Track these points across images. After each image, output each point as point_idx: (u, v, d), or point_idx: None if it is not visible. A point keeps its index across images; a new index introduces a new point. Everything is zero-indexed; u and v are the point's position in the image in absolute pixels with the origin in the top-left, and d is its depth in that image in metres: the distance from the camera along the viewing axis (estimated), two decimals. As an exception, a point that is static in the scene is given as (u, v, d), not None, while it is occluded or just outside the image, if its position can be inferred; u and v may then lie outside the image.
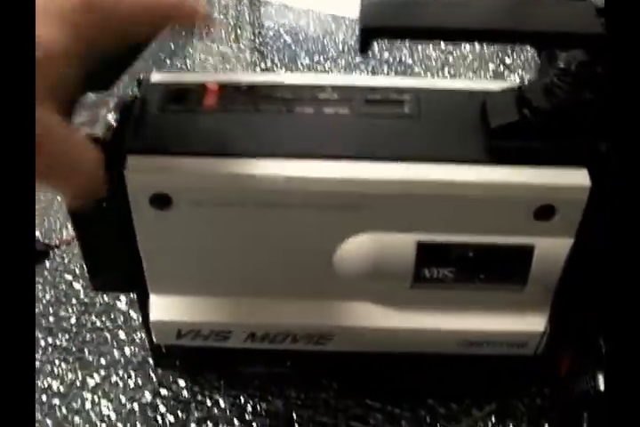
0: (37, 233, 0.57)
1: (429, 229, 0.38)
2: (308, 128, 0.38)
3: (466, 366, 0.45)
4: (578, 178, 0.36)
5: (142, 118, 0.38)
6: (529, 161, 0.36)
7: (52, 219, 0.59)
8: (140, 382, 0.49)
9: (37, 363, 0.50)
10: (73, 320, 0.53)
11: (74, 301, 0.54)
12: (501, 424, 0.47)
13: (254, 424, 0.47)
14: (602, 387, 0.42)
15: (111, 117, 0.37)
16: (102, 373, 0.50)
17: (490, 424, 0.47)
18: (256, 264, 0.40)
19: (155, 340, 0.43)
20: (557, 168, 0.36)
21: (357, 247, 0.39)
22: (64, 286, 0.55)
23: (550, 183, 0.36)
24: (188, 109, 0.38)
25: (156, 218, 0.37)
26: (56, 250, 0.55)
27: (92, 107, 0.37)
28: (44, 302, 0.54)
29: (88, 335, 0.52)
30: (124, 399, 0.48)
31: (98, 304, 0.54)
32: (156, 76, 0.40)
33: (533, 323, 0.42)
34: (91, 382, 0.49)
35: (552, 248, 0.38)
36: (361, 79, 0.43)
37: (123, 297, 0.54)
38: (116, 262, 0.41)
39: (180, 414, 0.48)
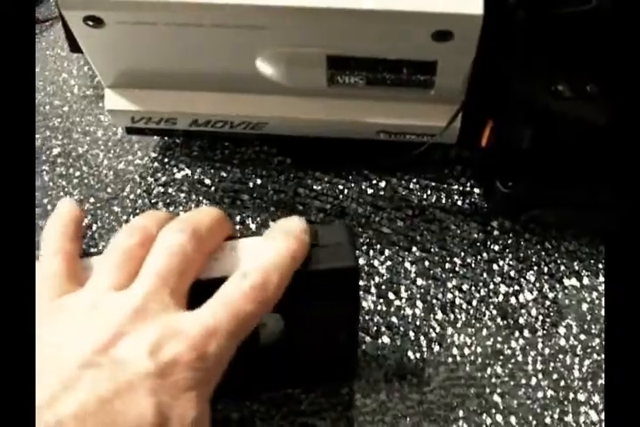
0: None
1: (339, 49, 0.42)
2: None
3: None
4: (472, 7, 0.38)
5: None
6: None
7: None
8: (118, 153, 0.55)
9: (37, 141, 0.56)
10: (66, 108, 0.59)
11: (68, 94, 0.60)
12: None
13: (213, 187, 0.53)
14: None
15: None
16: (85, 147, 0.56)
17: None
18: (191, 70, 0.45)
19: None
20: None
21: (272, 61, 0.43)
22: (61, 82, 0.61)
23: (445, 12, 0.38)
24: None
25: (94, 34, 0.42)
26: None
27: None
28: (43, 93, 0.60)
29: (77, 119, 0.58)
30: (100, 168, 0.55)
31: (88, 98, 0.60)
32: None
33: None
34: (73, 153, 0.55)
35: (454, 63, 0.42)
36: None
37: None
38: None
39: (148, 178, 0.54)
